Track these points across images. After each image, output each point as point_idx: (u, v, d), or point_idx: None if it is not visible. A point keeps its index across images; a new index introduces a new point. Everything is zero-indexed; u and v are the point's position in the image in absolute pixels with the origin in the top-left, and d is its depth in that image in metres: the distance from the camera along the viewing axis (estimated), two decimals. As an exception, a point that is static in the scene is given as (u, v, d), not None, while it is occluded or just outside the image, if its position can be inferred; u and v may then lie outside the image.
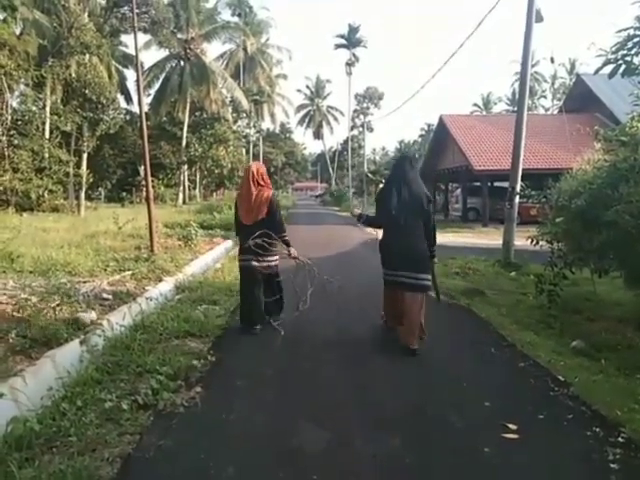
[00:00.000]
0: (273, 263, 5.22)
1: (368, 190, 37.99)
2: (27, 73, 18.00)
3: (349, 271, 8.48)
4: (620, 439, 2.92)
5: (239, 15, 41.27)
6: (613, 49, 5.03)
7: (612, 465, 2.67)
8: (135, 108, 32.17)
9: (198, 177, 38.30)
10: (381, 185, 5.56)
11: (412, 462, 2.71)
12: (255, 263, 5.08)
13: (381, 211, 4.85)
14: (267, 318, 5.28)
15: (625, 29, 4.87)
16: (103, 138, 23.56)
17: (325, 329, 5.34)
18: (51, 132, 19.87)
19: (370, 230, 5.49)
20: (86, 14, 22.17)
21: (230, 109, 37.07)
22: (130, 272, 6.99)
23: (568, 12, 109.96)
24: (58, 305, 4.72)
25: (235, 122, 37.99)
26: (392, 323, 5.03)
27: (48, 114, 20.04)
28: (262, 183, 5.15)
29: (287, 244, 5.21)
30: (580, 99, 24.13)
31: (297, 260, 5.25)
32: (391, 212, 4.64)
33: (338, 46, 53.13)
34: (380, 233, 4.98)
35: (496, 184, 22.74)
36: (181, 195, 32.54)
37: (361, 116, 59.40)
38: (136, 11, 10.02)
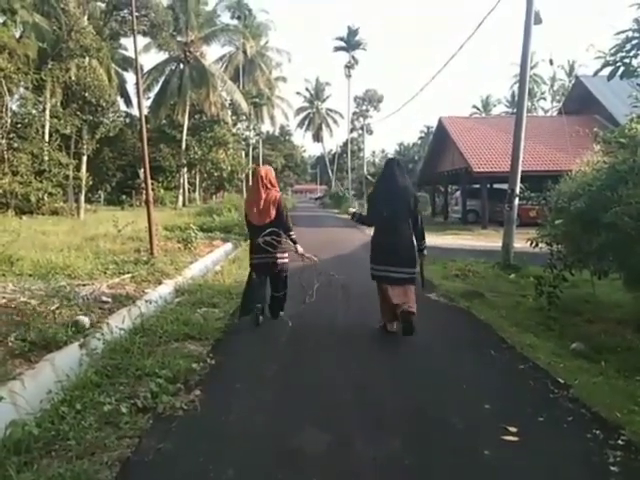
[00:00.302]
0: (284, 260, 5.52)
1: (368, 192, 38.00)
2: (27, 76, 18.04)
3: (349, 273, 8.47)
4: (620, 441, 2.91)
5: (238, 18, 41.31)
6: (612, 51, 5.05)
7: (612, 467, 2.67)
8: (135, 111, 32.18)
9: (198, 180, 38.31)
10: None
11: (412, 463, 2.71)
12: (266, 260, 5.39)
13: (372, 211, 5.28)
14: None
15: (623, 31, 4.89)
16: (103, 141, 23.60)
17: (325, 331, 5.36)
18: (51, 135, 19.89)
19: (368, 232, 5.65)
20: (86, 17, 22.19)
21: (230, 112, 37.08)
22: (130, 275, 6.99)
23: (567, 14, 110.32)
24: (57, 308, 4.72)
25: (235, 125, 37.99)
26: (390, 323, 5.13)
27: (48, 117, 20.06)
28: (269, 186, 5.47)
29: (294, 242, 5.51)
30: (579, 101, 24.17)
31: (304, 257, 5.51)
32: (381, 212, 5.04)
33: (337, 49, 53.29)
34: (372, 232, 5.36)
35: (495, 186, 22.77)
36: (181, 198, 32.53)
37: (360, 119, 59.47)
38: (136, 14, 10.06)
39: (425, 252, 5.26)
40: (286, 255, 5.53)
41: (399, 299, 4.85)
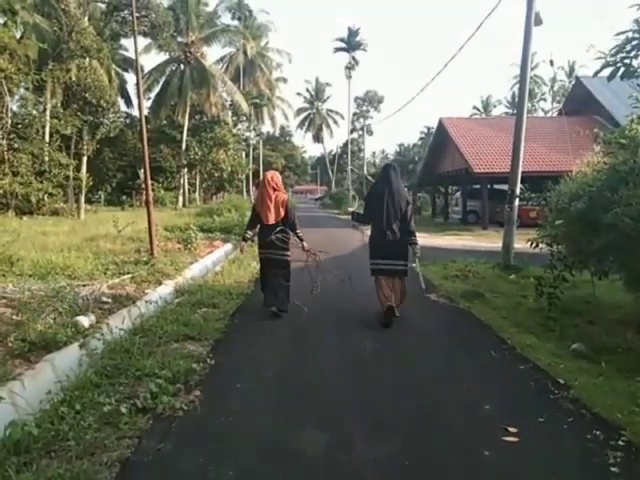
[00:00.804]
0: (288, 256, 6.04)
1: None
2: (27, 77, 18.04)
3: (348, 270, 8.47)
4: (620, 442, 2.91)
5: (239, 19, 41.32)
6: (612, 52, 5.05)
7: (613, 468, 2.67)
8: (135, 111, 32.19)
9: (198, 180, 38.30)
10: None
11: (412, 464, 2.71)
12: (275, 256, 5.93)
13: (368, 211, 5.85)
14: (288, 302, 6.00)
15: (624, 32, 4.89)
16: (103, 141, 23.57)
17: (325, 328, 5.39)
18: (51, 135, 19.87)
19: (367, 232, 5.99)
20: (86, 18, 22.19)
21: (230, 112, 37.08)
22: (130, 275, 6.99)
23: (567, 15, 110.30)
24: (57, 309, 4.71)
25: (235, 125, 37.99)
26: (385, 304, 5.49)
27: (48, 117, 20.05)
28: (276, 188, 6.02)
29: (301, 239, 6.11)
30: (579, 102, 24.16)
31: (309, 252, 6.09)
32: (376, 212, 5.59)
33: (338, 49, 53.33)
34: (368, 231, 5.93)
35: (496, 187, 22.77)
36: (181, 198, 32.52)
37: (361, 119, 59.51)
38: (136, 15, 10.06)
39: (418, 247, 5.76)
40: (289, 253, 6.03)
41: (388, 293, 5.49)
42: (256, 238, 6.30)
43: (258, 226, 6.18)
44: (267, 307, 5.91)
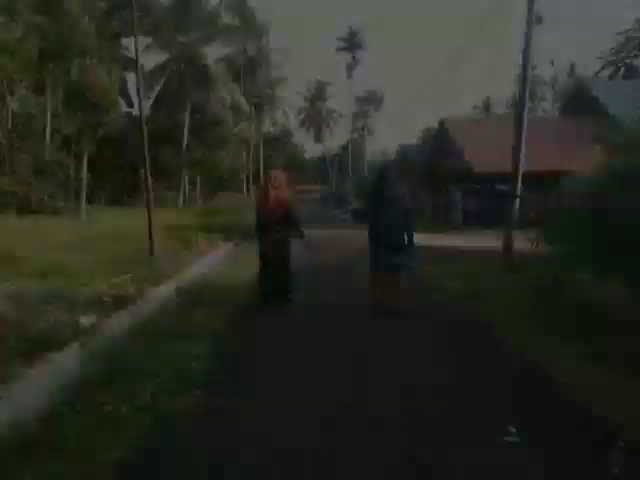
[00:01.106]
0: (289, 255, 6.36)
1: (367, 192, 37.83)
2: (28, 76, 18.05)
3: (348, 274, 8.50)
4: (621, 442, 2.90)
5: (240, 18, 41.33)
6: (612, 52, 5.04)
7: (613, 469, 2.66)
8: (136, 111, 32.19)
9: (198, 180, 38.32)
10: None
11: (411, 465, 2.70)
12: (276, 253, 6.21)
13: (368, 208, 6.13)
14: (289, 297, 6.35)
15: (625, 32, 4.89)
16: (104, 141, 23.60)
17: (325, 329, 5.39)
18: (52, 135, 19.89)
19: (366, 231, 6.20)
20: (87, 17, 22.20)
21: (230, 112, 37.10)
22: (130, 275, 6.99)
23: (568, 14, 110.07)
24: (58, 308, 4.71)
25: (235, 125, 38.01)
26: (376, 300, 5.86)
27: (49, 117, 20.07)
28: (279, 186, 6.34)
29: (302, 235, 6.48)
30: (580, 102, 24.15)
31: (309, 247, 6.58)
32: (376, 210, 5.84)
33: (339, 49, 53.37)
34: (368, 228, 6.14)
35: (496, 187, 22.73)
36: (181, 198, 32.55)
37: (361, 119, 59.49)
38: (137, 14, 10.05)
39: (415, 246, 5.93)
40: (290, 250, 6.36)
41: (379, 291, 5.80)
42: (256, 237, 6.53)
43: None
44: (267, 303, 6.19)
